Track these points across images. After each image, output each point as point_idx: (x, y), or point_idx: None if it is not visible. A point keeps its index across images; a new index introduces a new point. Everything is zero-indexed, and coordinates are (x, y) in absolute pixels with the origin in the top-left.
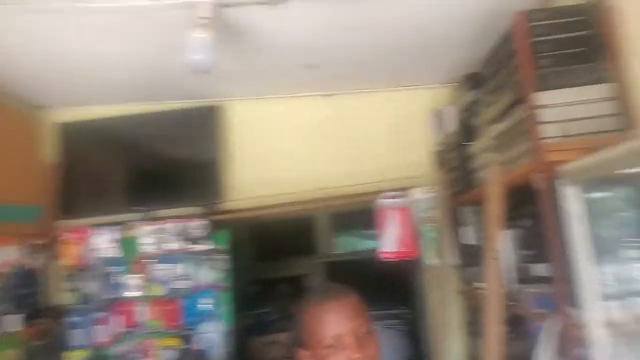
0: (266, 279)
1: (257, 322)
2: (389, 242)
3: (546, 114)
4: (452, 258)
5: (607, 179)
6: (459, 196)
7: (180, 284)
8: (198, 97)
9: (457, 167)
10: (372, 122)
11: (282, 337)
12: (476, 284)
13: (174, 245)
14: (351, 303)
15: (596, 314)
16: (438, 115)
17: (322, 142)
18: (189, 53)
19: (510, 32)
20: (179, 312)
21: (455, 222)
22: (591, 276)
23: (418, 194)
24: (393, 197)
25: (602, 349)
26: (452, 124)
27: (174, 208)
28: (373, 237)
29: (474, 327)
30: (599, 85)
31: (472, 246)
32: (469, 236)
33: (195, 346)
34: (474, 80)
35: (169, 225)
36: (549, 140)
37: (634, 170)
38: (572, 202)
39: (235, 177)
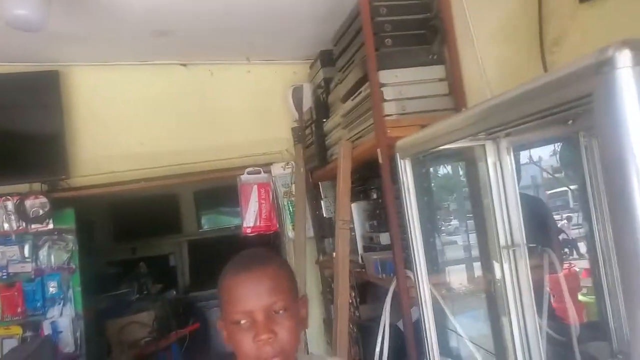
0: (126, 259)
1: (115, 304)
2: (250, 217)
3: (387, 92)
4: (310, 230)
5: (441, 153)
6: (316, 171)
7: (19, 268)
8: (37, 60)
9: (314, 143)
10: (232, 96)
11: (142, 317)
12: (333, 254)
13: (10, 225)
14: (269, 275)
15: (425, 276)
16: (296, 92)
17: (181, 114)
18: (10, 6)
19: (356, 10)
20: (20, 297)
21: (314, 196)
22: (421, 243)
23: (278, 169)
24: (254, 173)
25: (429, 307)
26: (309, 101)
27: (10, 184)
28: (237, 214)
29: (329, 294)
30: (434, 66)
31: (328, 219)
32: (326, 209)
33: (43, 332)
34: (327, 58)
35: (5, 203)
36: (390, 117)
37: (457, 145)
38: (406, 175)
39: (83, 151)
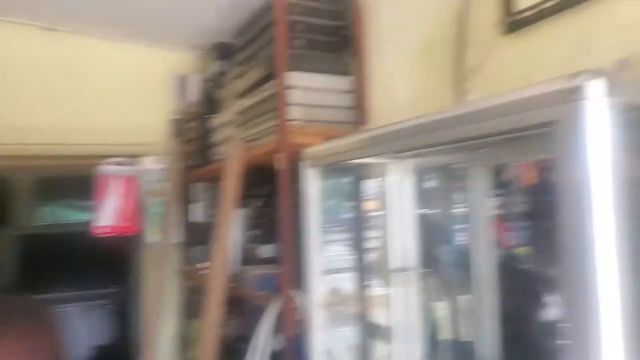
0: None
1: None
2: (107, 215)
3: (294, 96)
4: (176, 236)
5: (336, 167)
6: (193, 170)
7: None
8: None
9: (195, 139)
10: (104, 74)
11: None
12: (199, 265)
13: None
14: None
15: (318, 294)
16: (181, 82)
17: (36, 85)
18: None
19: (270, 5)
20: None
21: (186, 197)
22: (319, 260)
23: (148, 163)
24: (118, 164)
25: (320, 330)
26: (195, 93)
27: None
28: (86, 209)
29: (190, 308)
30: (343, 76)
31: (199, 224)
32: (198, 214)
33: None
34: (223, 50)
35: None
36: (294, 122)
37: (362, 160)
38: (311, 185)
39: None
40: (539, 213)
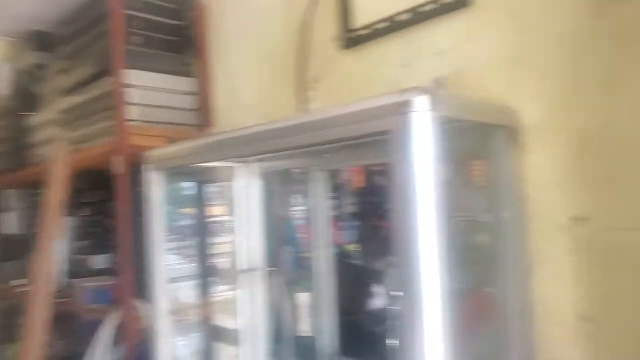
0: None
1: None
2: None
3: (132, 95)
4: None
5: (180, 170)
6: (4, 175)
7: None
8: None
9: (6, 138)
10: None
11: None
12: (14, 282)
13: None
14: None
15: (163, 303)
16: None
17: None
18: None
19: None
20: None
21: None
22: (162, 265)
23: None
24: None
25: (165, 338)
26: (5, 86)
27: None
28: None
29: (6, 331)
30: (184, 78)
31: (13, 236)
32: (11, 224)
33: None
34: (41, 40)
35: None
36: (133, 123)
37: (209, 164)
38: (154, 190)
39: None
40: (366, 213)
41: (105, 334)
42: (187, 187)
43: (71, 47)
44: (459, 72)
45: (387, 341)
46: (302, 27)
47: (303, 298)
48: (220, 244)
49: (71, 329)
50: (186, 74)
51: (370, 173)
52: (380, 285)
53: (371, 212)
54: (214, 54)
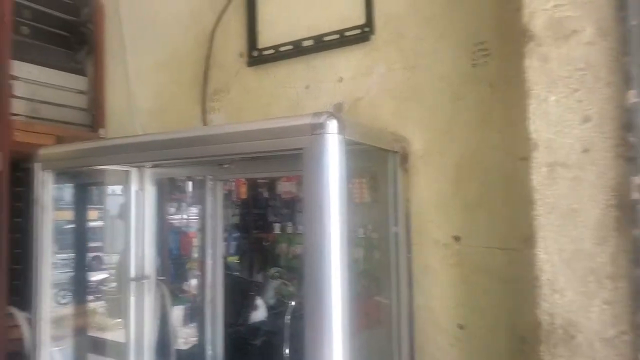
0: None
1: None
2: None
3: (18, 88)
4: None
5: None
6: None
7: None
8: None
9: None
10: None
11: None
12: None
13: None
14: None
15: (46, 311)
16: None
17: None
18: None
19: None
20: None
21: None
22: (48, 271)
23: None
24: None
25: (47, 347)
26: None
27: None
28: None
29: None
30: (76, 76)
31: None
32: None
33: None
34: None
35: None
36: (18, 118)
37: (107, 167)
38: (46, 190)
39: None
40: (248, 225)
41: None
42: (67, 188)
43: None
44: (356, 100)
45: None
46: (207, 38)
47: (190, 308)
48: (109, 249)
49: None
50: (78, 71)
51: (254, 185)
52: (260, 297)
53: (253, 225)
54: (110, 55)
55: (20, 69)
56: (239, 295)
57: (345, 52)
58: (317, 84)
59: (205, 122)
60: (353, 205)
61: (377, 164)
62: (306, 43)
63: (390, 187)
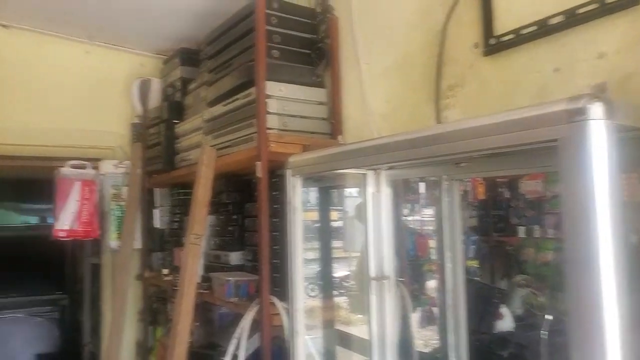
0: None
1: None
2: (66, 218)
3: (271, 105)
4: (137, 241)
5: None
6: (155, 176)
7: None
8: None
9: (158, 144)
10: (64, 75)
11: None
12: (161, 271)
13: None
14: None
15: (300, 302)
16: (143, 85)
17: None
18: None
19: (248, 14)
20: None
21: (146, 203)
22: (301, 268)
23: (108, 167)
24: (78, 167)
25: (302, 335)
26: (156, 98)
27: None
28: (33, 211)
29: (150, 314)
30: (317, 88)
31: (161, 230)
32: (159, 219)
33: None
34: (187, 56)
35: None
36: (272, 131)
37: (344, 170)
38: (295, 193)
39: None
40: (487, 228)
41: (244, 327)
42: (312, 191)
43: (216, 61)
44: (624, 78)
45: None
46: (438, 34)
47: (432, 312)
48: (350, 248)
49: (208, 318)
50: (318, 84)
51: (492, 184)
52: (505, 306)
53: (493, 227)
54: (344, 65)
55: (272, 87)
56: (481, 301)
57: (606, 23)
58: (569, 65)
59: (439, 120)
60: (623, 205)
61: None
62: (554, 20)
63: None
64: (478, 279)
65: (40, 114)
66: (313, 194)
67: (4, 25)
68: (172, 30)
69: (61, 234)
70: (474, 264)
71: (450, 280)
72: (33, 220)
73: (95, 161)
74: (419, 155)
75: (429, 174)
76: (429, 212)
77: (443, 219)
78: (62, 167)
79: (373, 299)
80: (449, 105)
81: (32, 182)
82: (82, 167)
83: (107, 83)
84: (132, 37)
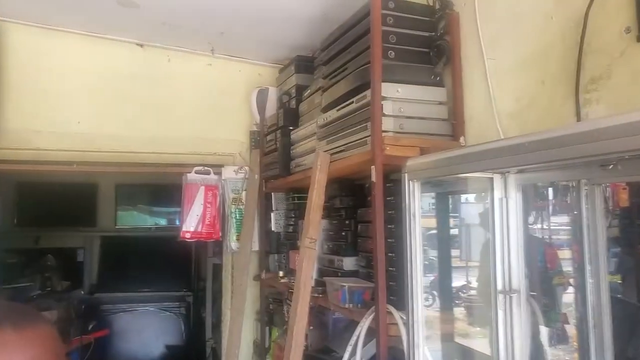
0: (28, 248)
1: (12, 298)
2: (192, 221)
3: (387, 107)
4: (255, 243)
5: (432, 180)
6: (272, 180)
7: None
8: None
9: (275, 150)
10: (188, 87)
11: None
12: (279, 273)
13: None
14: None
15: (420, 313)
16: (261, 94)
17: (128, 97)
18: None
19: (363, 16)
20: None
21: (264, 207)
22: (421, 276)
23: (229, 172)
24: (202, 173)
25: (420, 348)
26: (273, 106)
27: None
28: (162, 214)
29: (267, 315)
30: (436, 88)
31: (277, 233)
32: (276, 223)
33: None
34: (303, 64)
35: None
36: (387, 134)
37: (467, 174)
38: (413, 199)
39: (6, 120)
40: (632, 239)
41: (360, 335)
42: (428, 197)
43: (331, 67)
44: None
45: None
46: (578, 22)
47: (567, 330)
48: (462, 257)
49: (322, 322)
50: (437, 83)
51: (637, 190)
52: None
53: (639, 238)
54: (466, 62)
55: (387, 89)
56: (626, 322)
57: None
58: None
59: (579, 118)
60: None
61: None
62: None
63: None
64: (620, 296)
65: (167, 124)
66: (426, 200)
67: (139, 44)
68: (288, 39)
69: (187, 235)
70: (616, 279)
71: (593, 298)
72: (162, 222)
73: (217, 167)
74: (558, 157)
75: (566, 177)
76: (557, 220)
77: (582, 228)
78: (188, 172)
79: (500, 314)
80: (591, 101)
81: (161, 187)
82: (206, 172)
83: (227, 93)
84: (250, 47)
